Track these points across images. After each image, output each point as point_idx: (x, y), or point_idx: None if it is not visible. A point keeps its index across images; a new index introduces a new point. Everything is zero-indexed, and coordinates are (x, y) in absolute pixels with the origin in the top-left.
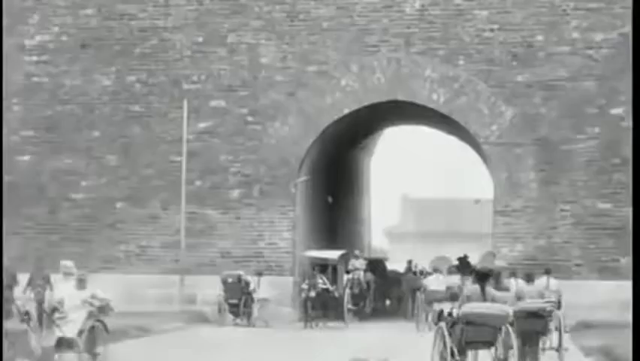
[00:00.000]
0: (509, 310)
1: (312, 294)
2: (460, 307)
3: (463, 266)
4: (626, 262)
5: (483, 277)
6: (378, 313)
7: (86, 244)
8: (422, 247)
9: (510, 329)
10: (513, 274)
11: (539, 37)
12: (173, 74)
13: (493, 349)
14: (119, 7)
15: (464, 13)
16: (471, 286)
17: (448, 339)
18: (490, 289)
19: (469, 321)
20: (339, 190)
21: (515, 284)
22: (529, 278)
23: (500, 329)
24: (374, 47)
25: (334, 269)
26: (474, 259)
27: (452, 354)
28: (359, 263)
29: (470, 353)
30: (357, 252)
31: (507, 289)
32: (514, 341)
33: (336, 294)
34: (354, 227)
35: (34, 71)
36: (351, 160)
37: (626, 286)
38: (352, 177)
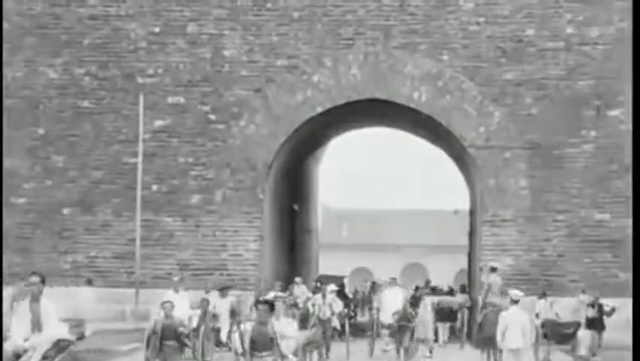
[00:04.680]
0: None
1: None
2: None
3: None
4: (626, 277)
5: None
6: None
7: (29, 253)
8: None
9: None
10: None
11: (530, 32)
12: (127, 66)
13: None
14: None
15: (448, 5)
16: None
17: None
18: None
19: None
20: (300, 198)
21: None
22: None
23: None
24: (349, 40)
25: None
26: None
27: None
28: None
29: None
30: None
31: None
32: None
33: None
34: (306, 239)
35: None
36: (309, 166)
37: (626, 305)
38: (308, 185)
